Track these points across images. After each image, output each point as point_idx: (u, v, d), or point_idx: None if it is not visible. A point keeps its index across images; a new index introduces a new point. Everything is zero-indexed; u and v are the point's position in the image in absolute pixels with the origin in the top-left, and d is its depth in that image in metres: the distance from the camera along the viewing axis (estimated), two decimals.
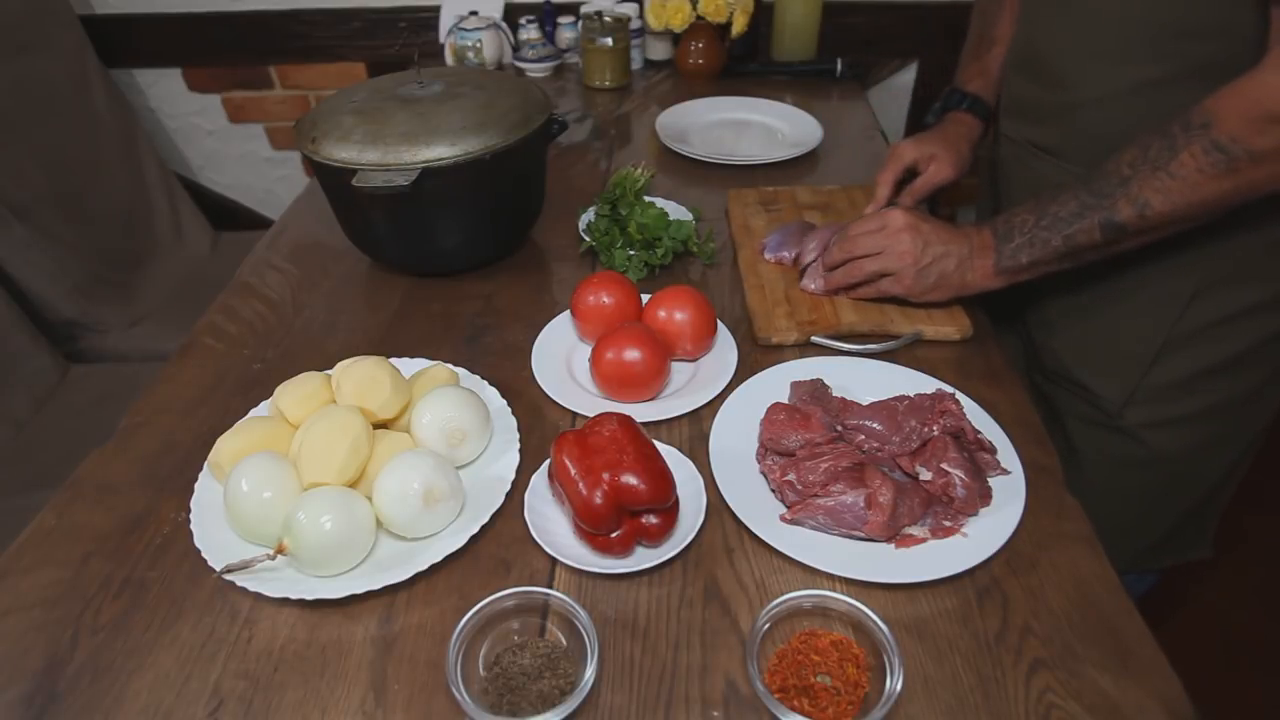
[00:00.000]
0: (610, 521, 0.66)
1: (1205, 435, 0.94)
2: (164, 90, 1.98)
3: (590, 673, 0.57)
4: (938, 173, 1.05)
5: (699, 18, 1.58)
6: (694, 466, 0.74)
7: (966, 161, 1.08)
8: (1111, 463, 0.98)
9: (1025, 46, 0.96)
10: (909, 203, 1.07)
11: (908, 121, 1.96)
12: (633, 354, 0.81)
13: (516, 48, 1.69)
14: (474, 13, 1.66)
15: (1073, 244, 0.79)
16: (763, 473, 0.75)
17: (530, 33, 1.67)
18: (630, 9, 1.66)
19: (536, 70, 1.68)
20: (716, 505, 0.72)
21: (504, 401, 0.82)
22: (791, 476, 0.70)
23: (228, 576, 0.64)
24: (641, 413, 0.80)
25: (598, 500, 0.65)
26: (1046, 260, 0.82)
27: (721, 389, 0.84)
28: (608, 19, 1.57)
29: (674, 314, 0.86)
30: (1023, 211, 0.83)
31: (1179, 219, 0.75)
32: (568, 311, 0.93)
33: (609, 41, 1.56)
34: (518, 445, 0.77)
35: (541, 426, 0.82)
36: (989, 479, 0.73)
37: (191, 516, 0.71)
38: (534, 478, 0.74)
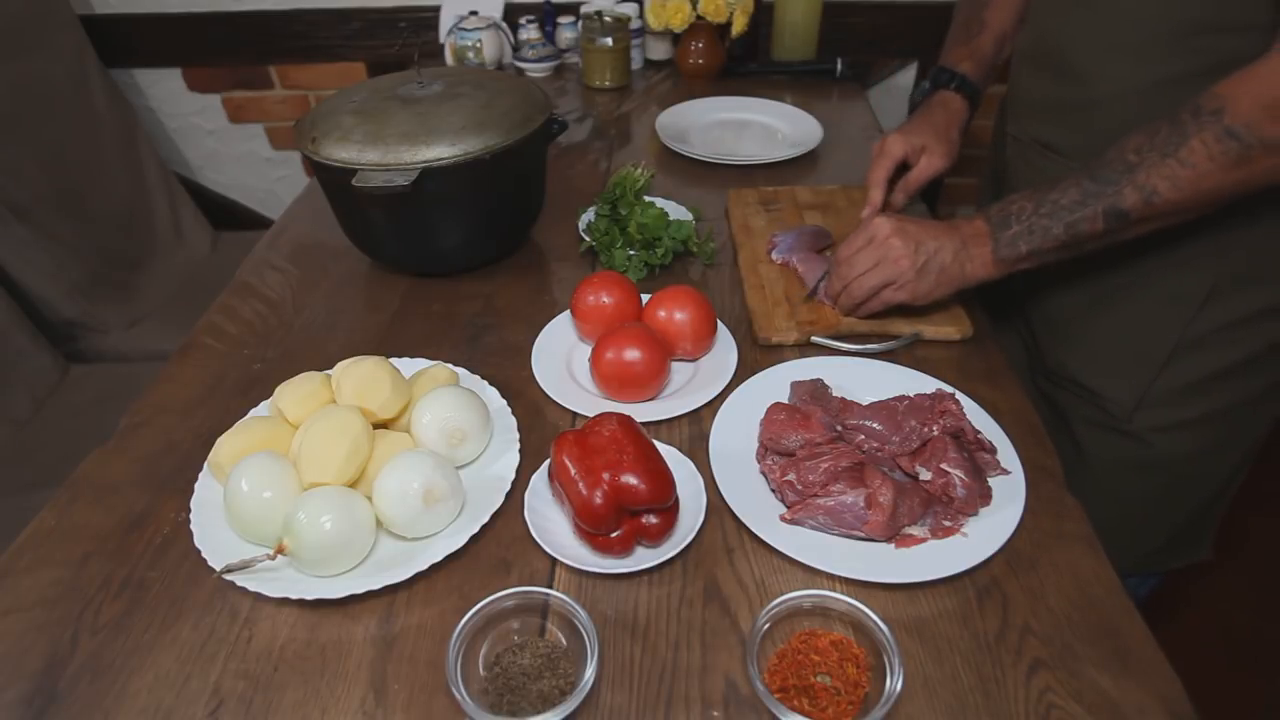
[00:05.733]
0: (610, 521, 0.65)
1: (1214, 437, 0.93)
2: (164, 90, 1.98)
3: (590, 673, 0.57)
4: (930, 165, 1.02)
5: (699, 18, 1.58)
6: (694, 466, 0.74)
7: (956, 148, 1.05)
8: (1118, 465, 0.97)
9: (1038, 40, 0.93)
10: (902, 199, 1.04)
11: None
12: (633, 354, 0.81)
13: (516, 48, 1.69)
14: (474, 13, 1.66)
15: (1075, 232, 0.77)
16: (763, 473, 0.75)
17: (530, 33, 1.67)
18: (630, 9, 1.66)
19: (536, 70, 1.68)
20: (716, 505, 0.72)
21: (504, 401, 0.82)
22: (791, 476, 0.70)
23: (228, 576, 0.64)
24: (641, 413, 0.80)
25: (598, 500, 0.65)
26: (1047, 249, 0.79)
27: (721, 389, 0.84)
28: (608, 19, 1.57)
29: (674, 314, 0.86)
30: (1019, 199, 0.80)
31: (1186, 208, 0.73)
32: (568, 311, 0.93)
33: (609, 41, 1.56)
34: (518, 445, 0.77)
35: (541, 426, 0.82)
36: (989, 479, 0.73)
37: (191, 516, 0.71)
38: (534, 478, 0.74)
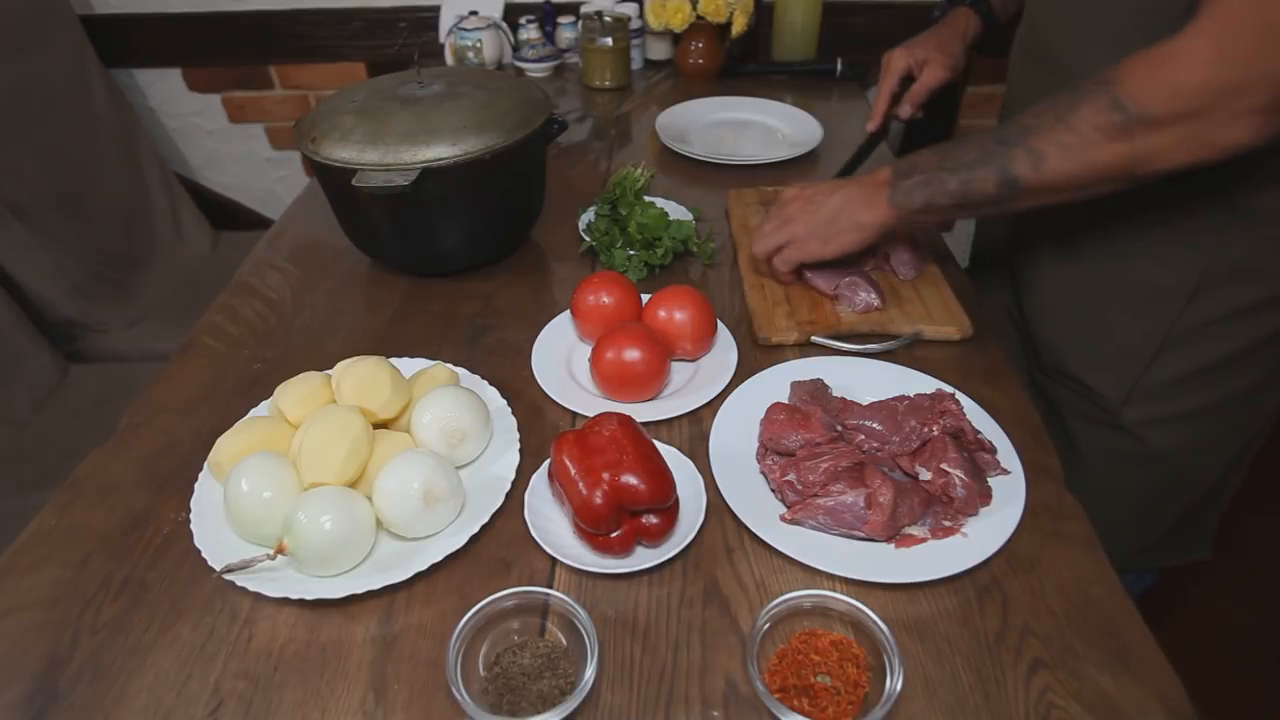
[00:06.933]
0: (610, 521, 0.65)
1: (1205, 433, 0.93)
2: (164, 90, 1.98)
3: (590, 673, 0.57)
4: (931, 75, 1.08)
5: (699, 18, 1.58)
6: (694, 466, 0.74)
7: (960, 61, 1.10)
8: (1111, 460, 0.97)
9: (1030, 32, 0.96)
10: (908, 111, 1.10)
11: (907, 121, 1.96)
12: (633, 354, 0.81)
13: (516, 48, 1.69)
14: (474, 13, 1.66)
15: (968, 190, 0.77)
16: (763, 473, 0.75)
17: (530, 33, 1.67)
18: (630, 9, 1.66)
19: (536, 70, 1.68)
20: (716, 505, 0.72)
21: (504, 401, 0.82)
22: (791, 476, 0.70)
23: (228, 576, 0.64)
24: (641, 413, 0.80)
25: (598, 500, 0.65)
26: (941, 205, 0.80)
27: (721, 389, 0.84)
28: (608, 19, 1.57)
29: (674, 314, 0.86)
30: (929, 152, 0.81)
31: (1074, 181, 0.73)
32: (568, 311, 0.93)
33: (609, 41, 1.56)
34: (518, 445, 0.77)
35: (541, 426, 0.82)
36: (989, 479, 0.73)
37: (191, 516, 0.71)
38: (534, 478, 0.74)
